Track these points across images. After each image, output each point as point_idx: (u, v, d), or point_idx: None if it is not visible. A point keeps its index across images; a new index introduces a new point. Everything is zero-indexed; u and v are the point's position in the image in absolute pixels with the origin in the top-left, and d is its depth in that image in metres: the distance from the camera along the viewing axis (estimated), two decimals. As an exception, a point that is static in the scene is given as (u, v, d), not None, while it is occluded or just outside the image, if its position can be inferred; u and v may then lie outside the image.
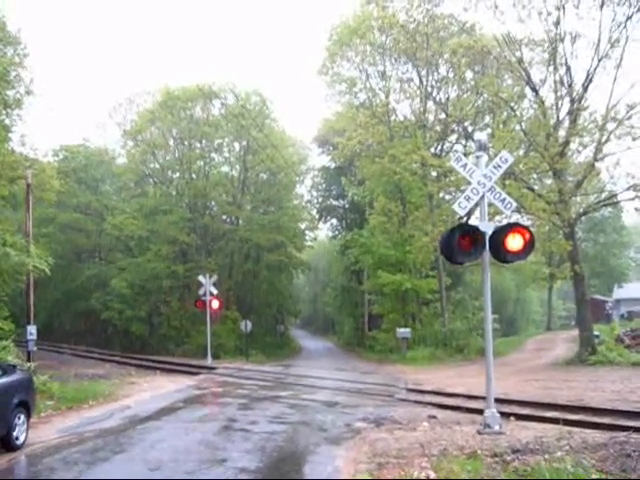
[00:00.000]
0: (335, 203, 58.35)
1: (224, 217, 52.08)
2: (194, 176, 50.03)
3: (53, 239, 47.22)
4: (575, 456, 7.54)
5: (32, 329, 21.46)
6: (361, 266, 45.35)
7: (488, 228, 10.67)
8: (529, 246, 10.62)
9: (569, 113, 26.93)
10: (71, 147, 52.85)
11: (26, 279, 22.38)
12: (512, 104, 28.83)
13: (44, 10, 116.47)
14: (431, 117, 38.18)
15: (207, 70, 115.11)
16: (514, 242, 10.46)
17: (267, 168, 49.62)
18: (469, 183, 11.29)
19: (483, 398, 11.84)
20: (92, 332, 54.55)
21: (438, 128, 37.52)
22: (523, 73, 27.19)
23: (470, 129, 36.47)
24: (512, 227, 10.80)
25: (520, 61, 26.86)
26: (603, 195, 30.13)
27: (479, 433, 10.43)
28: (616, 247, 62.11)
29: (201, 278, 33.06)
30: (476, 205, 11.42)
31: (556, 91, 27.32)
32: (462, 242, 10.52)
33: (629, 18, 24.41)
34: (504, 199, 11.11)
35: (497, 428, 10.47)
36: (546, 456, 7.75)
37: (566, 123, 27.21)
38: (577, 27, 26.22)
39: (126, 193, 54.67)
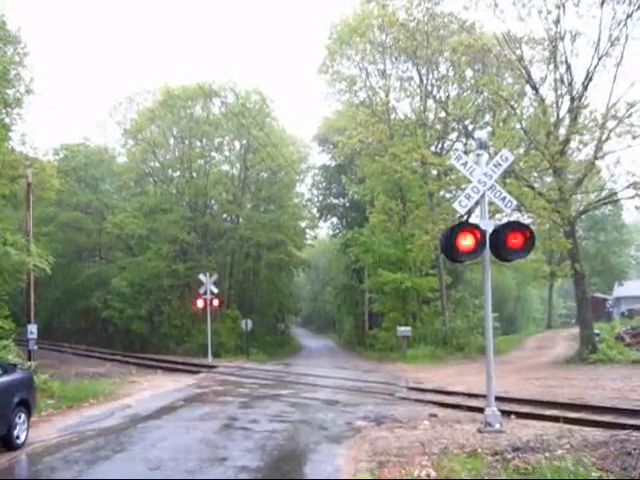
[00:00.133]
0: (335, 201, 58.33)
1: (224, 216, 52.11)
2: (194, 175, 50.03)
3: (53, 238, 47.27)
4: (576, 454, 7.54)
5: (33, 328, 21.48)
6: (361, 265, 45.34)
7: (488, 226, 10.65)
8: (529, 244, 10.61)
9: (569, 111, 26.90)
10: (71, 146, 52.83)
11: (26, 278, 22.40)
12: (512, 102, 28.78)
13: (44, 9, 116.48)
14: (431, 115, 38.15)
15: (207, 69, 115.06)
16: (514, 240, 10.46)
17: (267, 167, 49.63)
18: (469, 181, 11.27)
19: (484, 396, 11.83)
20: (93, 331, 54.63)
21: (438, 126, 37.49)
22: (523, 71, 27.16)
23: (470, 127, 36.43)
24: (512, 225, 10.79)
25: (520, 59, 26.83)
26: (603, 193, 30.08)
27: (480, 431, 10.42)
28: (616, 245, 62.12)
29: (202, 277, 33.10)
30: (476, 203, 11.41)
31: (556, 89, 27.29)
32: (462, 240, 10.51)
33: (629, 16, 24.38)
34: (504, 197, 11.10)
35: (498, 426, 10.47)
36: (547, 454, 7.75)
37: (566, 121, 27.19)
38: (577, 25, 26.23)
39: (126, 192, 54.68)
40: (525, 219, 27.99)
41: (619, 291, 59.91)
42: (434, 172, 36.86)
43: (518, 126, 28.57)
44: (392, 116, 37.98)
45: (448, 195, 37.42)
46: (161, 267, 45.29)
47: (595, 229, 60.62)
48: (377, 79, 40.19)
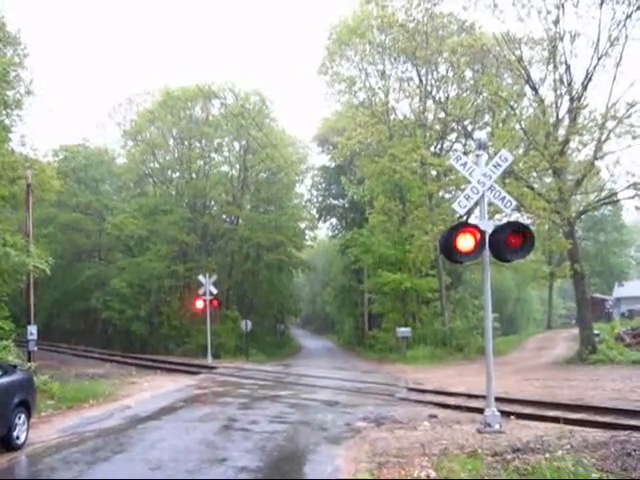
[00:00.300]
0: (335, 202, 58.29)
1: (224, 217, 52.13)
2: (194, 176, 50.06)
3: (53, 239, 47.23)
4: (576, 455, 7.54)
5: (32, 329, 21.47)
6: (361, 265, 45.35)
7: (488, 227, 10.66)
8: (529, 245, 10.62)
9: (569, 112, 26.92)
10: (71, 147, 52.80)
11: (26, 279, 22.38)
12: (512, 103, 28.79)
13: (44, 10, 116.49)
14: (431, 116, 38.16)
15: (207, 70, 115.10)
16: (514, 241, 10.47)
17: (267, 167, 49.68)
18: (469, 182, 11.28)
19: (483, 397, 11.84)
20: (92, 332, 54.59)
21: (438, 127, 37.49)
22: (523, 72, 27.17)
23: (470, 128, 36.42)
24: (512, 226, 10.79)
25: (520, 60, 26.84)
26: (603, 193, 30.10)
27: (479, 432, 10.42)
28: (616, 245, 62.14)
29: (201, 278, 33.10)
30: (476, 204, 11.41)
31: (556, 90, 27.31)
32: (462, 241, 10.51)
33: (628, 17, 24.41)
34: (504, 198, 11.10)
35: (497, 427, 10.47)
36: (547, 455, 7.75)
37: (566, 122, 27.21)
38: (576, 26, 26.26)
39: (126, 193, 54.73)
40: (525, 219, 27.95)
41: (619, 291, 59.88)
42: (433, 173, 36.87)
43: (517, 126, 28.59)
44: (391, 117, 38.00)
45: (447, 196, 37.45)
46: (161, 268, 45.27)
47: (595, 229, 60.64)
48: (376, 80, 40.25)
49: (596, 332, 28.65)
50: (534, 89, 27.62)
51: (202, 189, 48.18)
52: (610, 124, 25.01)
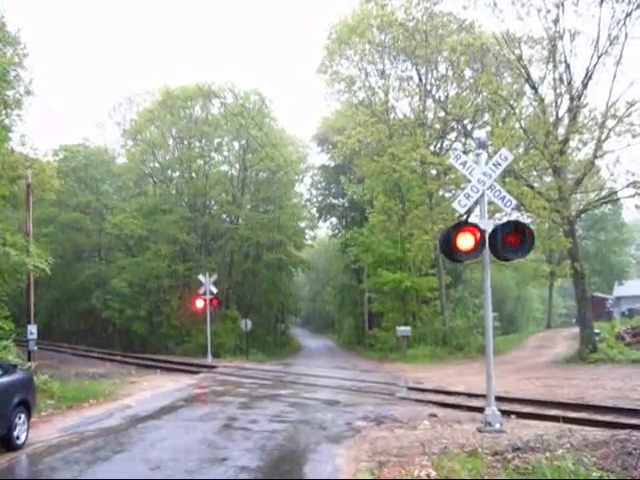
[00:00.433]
0: (335, 201, 58.30)
1: (224, 216, 52.14)
2: (194, 175, 50.10)
3: (53, 239, 47.24)
4: (576, 454, 7.52)
5: (32, 329, 21.47)
6: (361, 264, 45.37)
7: (488, 226, 10.66)
8: (529, 244, 10.62)
9: (569, 110, 26.89)
10: (71, 147, 52.81)
11: (26, 279, 22.38)
12: (511, 102, 28.77)
13: (44, 10, 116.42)
14: (430, 115, 38.14)
15: (206, 69, 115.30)
16: (514, 240, 10.46)
17: (266, 167, 49.68)
18: (469, 181, 11.28)
19: (484, 396, 11.83)
20: (92, 331, 54.64)
21: (437, 126, 37.47)
22: (522, 71, 27.14)
23: (469, 127, 36.42)
24: (512, 225, 10.79)
25: (519, 59, 26.81)
26: (603, 192, 30.04)
27: (480, 431, 10.42)
28: (616, 244, 62.09)
29: (201, 277, 33.10)
30: (476, 203, 11.41)
31: (555, 88, 27.28)
32: (462, 240, 10.50)
33: (628, 15, 24.38)
34: (504, 197, 11.09)
35: (498, 426, 10.47)
36: (547, 454, 7.74)
37: (566, 120, 27.18)
38: (576, 24, 26.20)
39: (126, 192, 54.76)
40: (525, 218, 27.95)
41: (619, 290, 59.88)
42: (433, 172, 36.85)
43: (517, 125, 28.56)
44: (391, 116, 38.00)
45: (447, 195, 37.45)
46: (161, 267, 45.31)
47: (595, 228, 60.60)
48: (376, 79, 40.25)
49: (596, 331, 28.64)
50: (534, 88, 27.59)
51: (202, 188, 48.20)
52: (610, 123, 24.98)
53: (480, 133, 11.99)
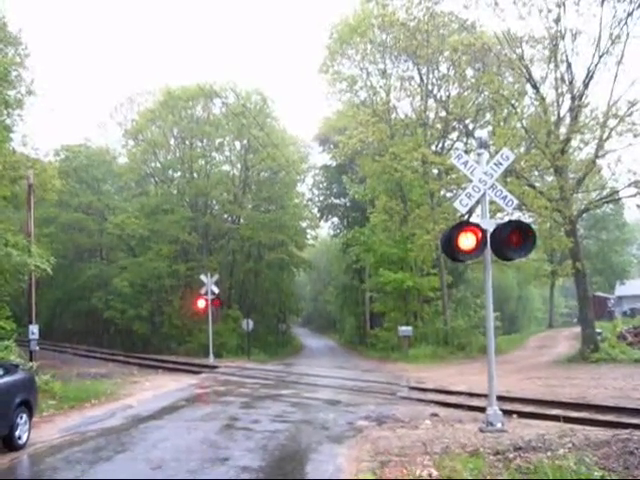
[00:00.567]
0: (336, 201, 58.31)
1: (225, 216, 52.19)
2: (195, 175, 50.15)
3: (55, 239, 47.22)
4: (578, 454, 7.52)
5: (34, 329, 21.49)
6: (362, 264, 45.37)
7: (489, 225, 10.65)
8: (530, 243, 10.60)
9: (570, 110, 26.88)
10: (72, 147, 52.81)
11: (28, 279, 22.39)
12: (513, 101, 28.75)
13: (45, 10, 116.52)
14: (432, 115, 38.13)
15: (208, 69, 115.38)
16: (516, 239, 10.45)
17: (268, 167, 49.69)
18: (470, 181, 11.26)
19: (485, 396, 11.82)
20: (94, 331, 54.67)
21: (439, 126, 37.48)
22: (524, 70, 27.13)
23: (471, 127, 36.41)
24: (513, 224, 10.77)
25: (521, 58, 26.80)
26: (604, 192, 30.05)
27: (481, 431, 10.41)
28: (618, 244, 62.01)
29: (203, 277, 33.10)
30: (477, 203, 11.41)
31: (557, 88, 27.26)
32: (463, 240, 10.50)
33: (630, 14, 24.35)
34: (505, 196, 11.09)
35: (499, 426, 10.46)
36: (548, 454, 7.74)
37: (567, 120, 27.16)
38: (578, 24, 26.27)
39: (127, 192, 54.82)
40: (526, 218, 27.95)
41: (621, 290, 59.78)
42: (435, 171, 36.85)
43: (519, 125, 28.54)
44: (393, 115, 37.99)
45: (449, 194, 37.42)
46: (162, 267, 45.34)
47: (596, 228, 60.52)
48: (378, 79, 40.19)
49: (598, 331, 28.60)
50: (535, 87, 27.58)
51: (203, 188, 48.21)
52: (611, 122, 24.95)
53: (481, 133, 11.99)
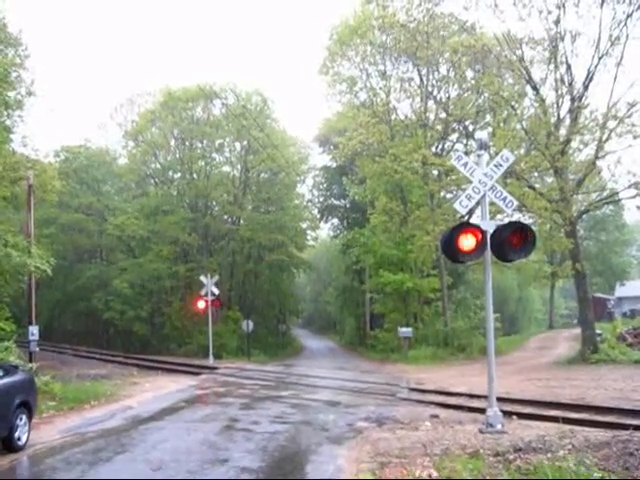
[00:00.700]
0: (336, 202, 58.33)
1: (225, 217, 52.15)
2: (195, 176, 50.13)
3: (55, 240, 47.22)
4: (577, 455, 7.53)
5: (34, 330, 21.48)
6: (362, 265, 45.36)
7: (489, 227, 10.66)
8: (530, 245, 10.61)
9: (570, 111, 26.88)
10: (72, 148, 52.85)
11: (28, 280, 22.38)
12: (513, 103, 28.77)
13: (45, 11, 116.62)
14: (432, 116, 38.13)
15: (208, 70, 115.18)
16: (516, 241, 10.46)
17: (268, 168, 49.70)
18: (470, 182, 11.27)
19: (485, 397, 11.82)
20: (94, 332, 54.66)
21: (439, 127, 37.48)
22: (524, 72, 27.13)
23: (471, 128, 36.45)
24: (513, 226, 10.78)
25: (521, 60, 26.81)
26: (604, 193, 30.06)
27: (481, 432, 10.41)
28: (618, 245, 61.99)
29: (203, 278, 33.09)
30: (477, 204, 11.41)
31: (557, 89, 27.26)
32: (463, 241, 10.50)
33: (629, 16, 24.35)
34: (505, 198, 11.09)
35: (499, 427, 10.46)
36: (548, 455, 7.74)
37: (567, 121, 27.16)
38: (577, 25, 26.19)
39: (127, 193, 54.83)
40: (526, 219, 27.99)
41: (621, 291, 59.85)
42: (435, 173, 36.87)
43: (519, 126, 28.56)
44: (393, 117, 37.96)
45: (449, 196, 37.41)
46: (162, 268, 45.32)
47: (596, 229, 60.52)
48: (377, 80, 40.18)
49: (598, 332, 28.59)
50: (535, 89, 27.58)
51: (203, 189, 48.21)
52: (611, 124, 24.94)
53: (481, 134, 12.02)
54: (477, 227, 10.64)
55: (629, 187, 25.23)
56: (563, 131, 27.09)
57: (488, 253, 10.76)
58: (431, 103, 37.43)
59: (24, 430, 10.20)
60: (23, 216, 26.43)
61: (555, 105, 27.62)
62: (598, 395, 15.58)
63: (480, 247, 10.55)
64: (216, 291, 32.57)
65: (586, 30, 26.05)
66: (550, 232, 29.66)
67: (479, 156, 11.38)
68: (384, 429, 11.77)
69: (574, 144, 27.24)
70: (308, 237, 57.18)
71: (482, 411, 11.56)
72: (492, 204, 11.76)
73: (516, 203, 12.21)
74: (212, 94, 44.10)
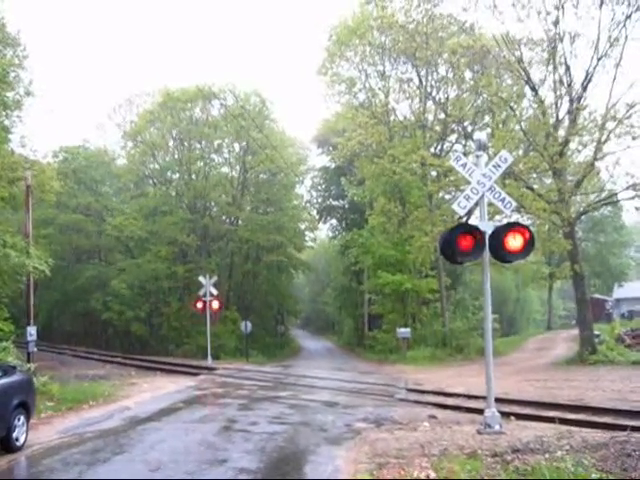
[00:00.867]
0: (335, 203, 58.29)
1: (224, 218, 52.13)
2: (194, 177, 50.13)
3: (53, 240, 47.21)
4: (575, 455, 7.53)
5: (32, 330, 21.41)
6: (361, 266, 45.32)
7: (488, 228, 10.66)
8: (529, 246, 10.61)
9: (568, 112, 26.91)
10: (71, 148, 52.79)
11: (26, 280, 22.32)
12: (511, 104, 28.78)
13: (44, 11, 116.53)
14: (431, 117, 38.17)
15: (207, 71, 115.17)
16: (514, 242, 10.45)
17: (267, 168, 49.63)
18: (469, 183, 11.28)
19: (483, 398, 11.83)
20: (92, 333, 54.62)
21: (438, 128, 37.50)
22: (522, 73, 27.14)
23: (470, 129, 36.44)
24: (512, 227, 10.77)
25: (519, 61, 26.82)
26: (603, 194, 30.09)
27: (479, 433, 10.41)
28: (616, 246, 62.05)
29: (201, 279, 33.07)
30: (476, 205, 11.41)
31: (555, 90, 27.29)
32: (462, 242, 10.51)
33: (628, 17, 24.40)
34: (504, 198, 11.10)
35: (497, 428, 10.46)
36: (546, 455, 7.75)
37: (566, 122, 27.18)
38: (576, 26, 26.21)
39: (126, 194, 54.76)
40: (525, 220, 27.99)
41: (619, 292, 59.93)
42: (433, 173, 36.86)
43: (517, 127, 28.58)
44: (391, 117, 37.98)
45: (447, 196, 37.40)
46: (160, 269, 45.29)
47: (595, 230, 60.58)
48: (376, 81, 40.24)
49: (596, 333, 28.64)
50: (534, 90, 27.61)
51: (202, 190, 48.21)
52: (610, 125, 24.98)
53: (480, 135, 12.01)
54: (475, 228, 10.65)
55: (627, 188, 25.26)
56: (562, 132, 27.11)
57: (486, 254, 10.77)
58: (430, 104, 37.47)
59: (22, 430, 10.19)
60: (21, 216, 26.38)
61: (554, 106, 27.66)
62: (596, 396, 15.58)
63: (478, 248, 10.55)
64: (215, 292, 32.52)
65: (585, 31, 26.10)
66: (549, 233, 29.70)
67: (478, 157, 11.39)
68: (382, 430, 11.76)
69: (573, 145, 27.28)
70: (307, 238, 57.24)
71: (480, 412, 11.56)
72: (491, 205, 11.78)
73: (515, 204, 12.24)
74: (211, 95, 44.14)
